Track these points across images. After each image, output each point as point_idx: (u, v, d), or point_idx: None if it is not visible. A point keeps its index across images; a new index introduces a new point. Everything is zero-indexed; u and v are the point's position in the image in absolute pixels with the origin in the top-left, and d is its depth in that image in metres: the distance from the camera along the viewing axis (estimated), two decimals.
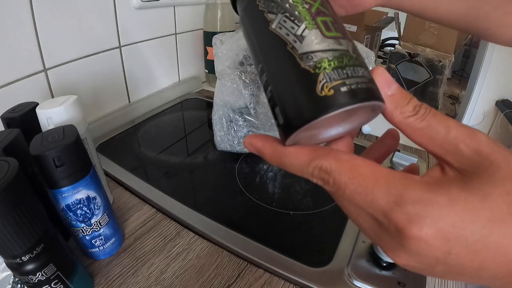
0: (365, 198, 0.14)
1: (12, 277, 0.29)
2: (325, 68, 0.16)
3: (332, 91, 0.15)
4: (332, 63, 0.16)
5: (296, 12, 0.17)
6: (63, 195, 0.30)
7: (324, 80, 0.15)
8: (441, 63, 0.76)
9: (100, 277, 0.34)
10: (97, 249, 0.35)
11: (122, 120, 0.65)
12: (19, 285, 0.29)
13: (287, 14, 0.17)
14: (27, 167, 0.30)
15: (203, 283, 0.34)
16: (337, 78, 0.15)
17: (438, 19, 0.27)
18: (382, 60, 1.20)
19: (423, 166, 0.58)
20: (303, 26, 0.17)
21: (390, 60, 0.85)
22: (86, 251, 0.35)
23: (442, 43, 0.78)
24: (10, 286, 0.29)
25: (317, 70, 0.16)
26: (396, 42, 0.90)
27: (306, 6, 0.17)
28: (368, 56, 0.54)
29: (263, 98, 0.52)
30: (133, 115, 0.68)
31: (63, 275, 0.29)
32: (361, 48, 0.55)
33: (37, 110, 0.34)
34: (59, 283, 0.28)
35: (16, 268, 0.26)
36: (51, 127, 0.33)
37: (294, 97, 0.17)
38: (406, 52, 0.80)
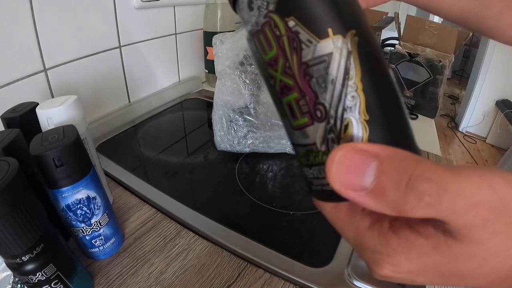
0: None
1: (12, 277, 0.29)
2: (301, 164, 0.15)
3: (313, 188, 0.15)
4: (302, 160, 0.15)
5: (268, 91, 0.15)
6: (63, 195, 0.30)
7: (309, 177, 0.15)
8: (441, 63, 0.76)
9: (100, 277, 0.34)
10: (97, 249, 0.35)
11: (122, 120, 0.65)
12: (19, 285, 0.29)
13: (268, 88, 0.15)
14: (27, 167, 0.30)
15: (203, 283, 0.34)
16: (308, 177, 0.15)
17: (452, 16, 0.27)
18: None
19: None
20: (278, 112, 0.15)
21: (390, 60, 0.85)
22: (86, 251, 0.35)
23: (442, 43, 0.78)
24: (10, 286, 0.29)
25: (301, 163, 0.15)
26: (396, 42, 0.90)
27: (272, 82, 0.14)
28: None
29: (263, 98, 0.52)
30: (133, 115, 0.68)
31: (63, 275, 0.29)
32: None
33: (37, 110, 0.34)
34: (59, 283, 0.28)
35: (16, 268, 0.26)
36: (51, 127, 0.33)
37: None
38: (406, 52, 0.80)
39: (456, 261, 0.12)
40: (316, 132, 0.13)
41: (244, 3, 0.14)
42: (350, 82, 0.12)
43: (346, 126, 0.13)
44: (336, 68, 0.12)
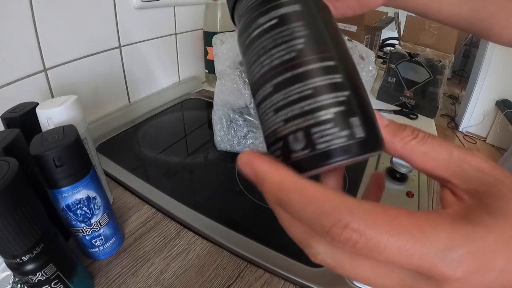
0: (413, 255, 0.12)
1: (12, 277, 0.29)
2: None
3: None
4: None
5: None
6: (63, 195, 0.30)
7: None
8: (441, 63, 0.76)
9: (100, 277, 0.34)
10: (97, 249, 0.35)
11: (122, 120, 0.65)
12: (19, 285, 0.29)
13: None
14: (27, 167, 0.30)
15: (203, 283, 0.34)
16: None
17: (441, 19, 0.27)
18: (382, 60, 1.20)
19: None
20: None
21: (390, 60, 0.85)
22: (86, 251, 0.35)
23: (442, 43, 0.78)
24: (10, 286, 0.29)
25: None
26: (396, 42, 0.90)
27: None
28: (368, 56, 0.54)
29: None
30: (133, 115, 0.68)
31: (63, 275, 0.29)
32: (361, 48, 0.55)
33: (37, 110, 0.34)
34: (59, 283, 0.28)
35: (16, 268, 0.26)
36: (51, 127, 0.33)
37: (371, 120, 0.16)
38: (406, 52, 0.80)
39: None
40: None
41: None
42: None
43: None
44: None
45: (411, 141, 0.15)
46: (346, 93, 0.14)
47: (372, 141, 0.14)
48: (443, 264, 0.12)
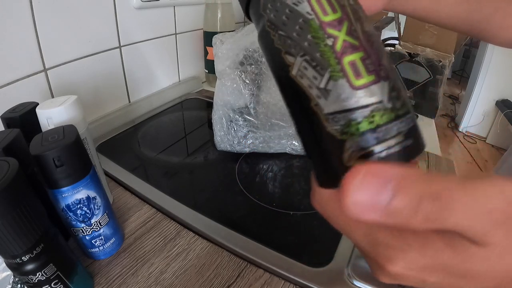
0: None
1: (12, 277, 0.29)
2: (352, 134, 0.13)
3: (360, 161, 0.13)
4: (361, 126, 0.13)
5: (318, 54, 0.14)
6: (63, 195, 0.30)
7: (351, 149, 0.13)
8: (441, 63, 0.76)
9: (100, 277, 0.34)
10: (97, 249, 0.35)
11: (122, 120, 0.65)
12: (19, 285, 0.29)
13: (308, 58, 0.14)
14: (27, 167, 0.30)
15: (203, 283, 0.34)
16: (365, 146, 0.13)
17: (440, 22, 0.27)
18: None
19: (423, 166, 0.58)
20: (327, 76, 0.14)
21: None
22: (86, 251, 0.35)
23: (442, 43, 0.78)
24: (10, 286, 0.29)
25: (344, 136, 0.13)
26: (396, 42, 0.90)
27: (330, 42, 0.14)
28: None
29: (263, 98, 0.52)
30: (133, 115, 0.68)
31: (63, 275, 0.29)
32: None
33: (37, 110, 0.34)
34: (59, 283, 0.28)
35: (16, 268, 0.26)
36: (51, 127, 0.33)
37: (322, 161, 0.15)
38: (406, 52, 0.80)
39: (469, 262, 0.13)
40: (382, 89, 0.14)
41: None
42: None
43: (400, 88, 0.14)
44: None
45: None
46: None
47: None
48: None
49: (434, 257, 0.13)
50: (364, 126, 0.13)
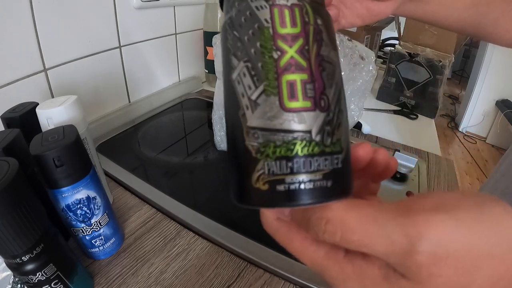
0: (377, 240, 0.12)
1: (12, 277, 0.29)
2: (267, 156, 0.13)
3: (266, 186, 0.13)
4: (278, 150, 0.12)
5: (260, 64, 0.13)
6: (63, 195, 0.30)
7: (262, 171, 0.13)
8: (441, 63, 0.76)
9: (100, 277, 0.34)
10: (97, 249, 0.35)
11: (122, 120, 0.65)
12: (19, 285, 0.29)
13: (249, 65, 0.13)
14: (27, 167, 0.30)
15: (203, 283, 0.34)
16: (276, 172, 0.12)
17: (449, 26, 0.27)
18: (382, 60, 1.20)
19: (423, 166, 0.58)
20: (260, 89, 0.13)
21: (390, 60, 0.85)
22: (86, 251, 0.35)
23: (442, 43, 0.78)
24: (10, 286, 0.29)
25: (258, 155, 0.13)
26: (396, 42, 0.90)
27: (275, 55, 0.13)
28: (368, 56, 0.54)
29: None
30: (133, 115, 0.68)
31: (63, 275, 0.29)
32: (361, 48, 0.55)
33: (37, 110, 0.34)
34: (59, 283, 0.28)
35: (16, 268, 0.26)
36: (51, 127, 0.33)
37: (234, 173, 0.14)
38: (406, 52, 0.80)
39: None
40: (315, 119, 0.13)
41: None
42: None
43: (339, 125, 0.13)
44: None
45: None
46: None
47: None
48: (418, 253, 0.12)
49: None
50: (280, 152, 0.12)
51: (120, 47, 0.63)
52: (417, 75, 0.80)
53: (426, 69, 0.78)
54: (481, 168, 2.24)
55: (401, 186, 0.51)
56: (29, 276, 0.26)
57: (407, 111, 0.83)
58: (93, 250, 0.35)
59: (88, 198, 0.32)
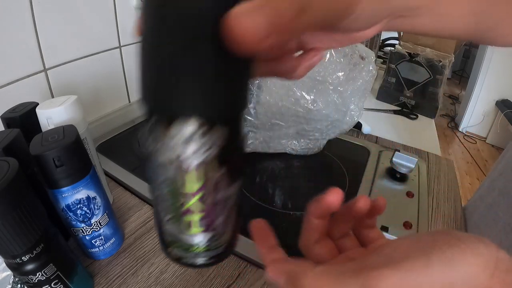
0: None
1: (12, 277, 0.29)
2: (175, 246, 0.19)
3: (176, 257, 0.20)
4: (181, 247, 0.19)
5: (168, 203, 0.17)
6: (63, 195, 0.30)
7: (172, 250, 0.20)
8: (441, 63, 0.76)
9: (100, 277, 0.34)
10: (97, 249, 0.35)
11: (122, 120, 0.65)
12: (19, 285, 0.29)
13: (163, 197, 0.18)
14: (27, 167, 0.30)
15: (203, 283, 0.34)
16: (180, 255, 0.20)
17: (441, 36, 0.27)
18: (382, 60, 1.20)
19: (423, 166, 0.58)
20: (169, 216, 0.18)
21: (390, 60, 0.85)
22: (86, 251, 0.35)
23: (442, 43, 0.78)
24: (10, 286, 0.29)
25: (170, 244, 0.20)
26: (396, 42, 0.90)
27: (180, 202, 0.17)
28: (368, 56, 0.54)
29: (263, 98, 0.52)
30: (133, 115, 0.68)
31: (63, 275, 0.29)
32: (361, 48, 0.55)
33: (37, 110, 0.34)
34: (59, 283, 0.28)
35: (16, 268, 0.26)
36: (51, 127, 0.33)
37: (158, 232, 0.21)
38: (406, 52, 0.80)
39: None
40: (204, 237, 0.18)
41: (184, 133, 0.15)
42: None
43: (224, 232, 0.20)
44: None
45: None
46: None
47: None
48: None
49: None
50: (182, 247, 0.19)
51: (120, 47, 0.63)
52: (417, 75, 0.80)
53: (426, 69, 0.78)
54: (481, 168, 2.24)
55: (401, 186, 0.51)
56: (29, 276, 0.26)
57: (407, 111, 0.83)
58: (93, 250, 0.35)
59: (88, 198, 0.32)
